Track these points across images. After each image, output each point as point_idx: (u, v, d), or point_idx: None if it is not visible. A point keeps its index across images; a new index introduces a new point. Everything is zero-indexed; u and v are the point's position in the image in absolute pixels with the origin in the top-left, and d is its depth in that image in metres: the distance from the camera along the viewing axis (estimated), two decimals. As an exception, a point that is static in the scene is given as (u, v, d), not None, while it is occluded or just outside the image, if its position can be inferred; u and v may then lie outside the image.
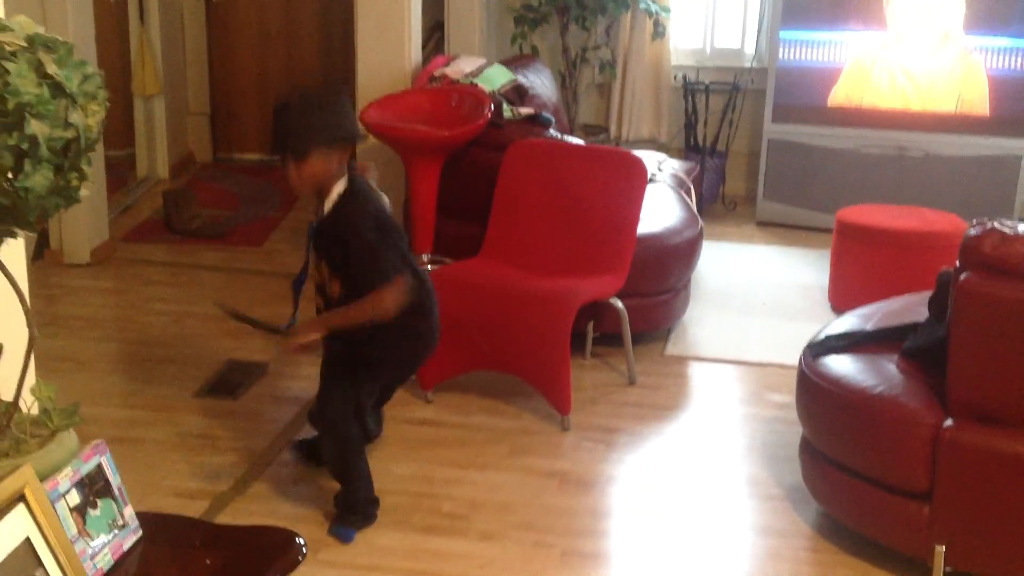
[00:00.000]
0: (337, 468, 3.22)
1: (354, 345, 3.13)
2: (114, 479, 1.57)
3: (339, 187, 2.94)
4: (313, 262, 3.07)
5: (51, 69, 1.38)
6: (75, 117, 1.40)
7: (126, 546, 1.55)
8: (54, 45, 1.42)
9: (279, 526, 1.65)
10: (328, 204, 2.96)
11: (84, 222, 5.22)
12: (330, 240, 2.98)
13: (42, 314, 4.74)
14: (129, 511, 1.58)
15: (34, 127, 1.35)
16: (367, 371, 3.20)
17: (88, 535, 1.50)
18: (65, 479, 1.50)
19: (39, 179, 1.37)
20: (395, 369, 3.29)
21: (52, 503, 1.45)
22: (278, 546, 1.55)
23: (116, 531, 1.55)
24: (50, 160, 1.38)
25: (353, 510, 3.19)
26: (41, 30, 1.44)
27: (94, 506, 1.53)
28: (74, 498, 1.51)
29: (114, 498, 1.57)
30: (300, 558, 1.52)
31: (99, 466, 1.56)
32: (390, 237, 2.97)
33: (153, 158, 6.53)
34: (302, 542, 1.57)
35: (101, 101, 1.46)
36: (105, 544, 1.53)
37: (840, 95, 6.01)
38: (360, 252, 2.93)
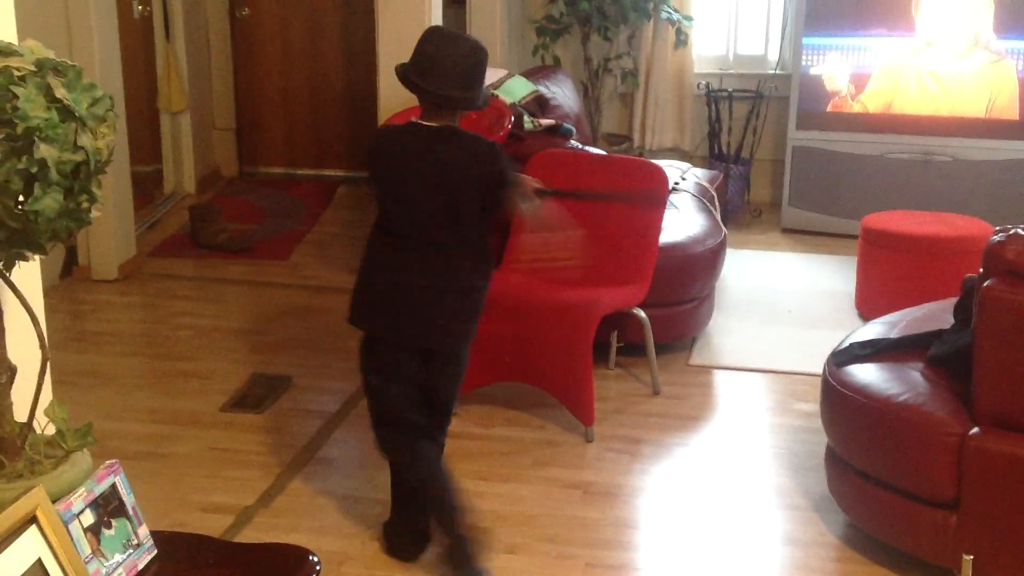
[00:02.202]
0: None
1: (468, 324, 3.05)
2: (128, 499, 1.58)
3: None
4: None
5: (60, 93, 1.39)
6: (84, 140, 1.41)
7: (141, 565, 1.56)
8: (63, 69, 1.44)
9: (293, 543, 1.65)
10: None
11: (112, 238, 5.27)
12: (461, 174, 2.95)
13: (69, 330, 4.79)
14: (144, 530, 1.59)
15: (43, 151, 1.36)
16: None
17: (102, 555, 1.51)
18: (79, 500, 1.51)
19: (49, 202, 1.38)
20: None
21: (65, 524, 1.46)
22: (292, 563, 1.55)
23: (131, 550, 1.56)
24: (60, 183, 1.39)
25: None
26: (51, 54, 1.46)
27: (108, 526, 1.54)
28: (88, 518, 1.52)
29: (128, 518, 1.58)
30: (314, 575, 1.52)
31: (113, 486, 1.57)
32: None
33: (180, 173, 6.58)
34: (316, 559, 1.57)
35: (111, 124, 1.47)
36: (119, 564, 1.53)
37: (866, 101, 5.97)
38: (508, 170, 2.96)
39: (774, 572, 3.14)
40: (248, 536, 3.19)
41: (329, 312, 5.00)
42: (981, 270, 2.81)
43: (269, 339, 4.70)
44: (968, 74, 5.82)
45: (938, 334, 3.16)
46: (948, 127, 5.88)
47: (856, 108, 5.98)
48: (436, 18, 4.92)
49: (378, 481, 3.55)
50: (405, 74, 2.91)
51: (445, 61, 2.84)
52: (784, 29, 6.46)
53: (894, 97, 5.93)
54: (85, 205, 1.45)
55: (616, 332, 4.29)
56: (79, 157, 1.41)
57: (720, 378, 4.38)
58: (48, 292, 4.84)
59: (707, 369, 4.43)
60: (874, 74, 5.92)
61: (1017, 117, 5.79)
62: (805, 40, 5.96)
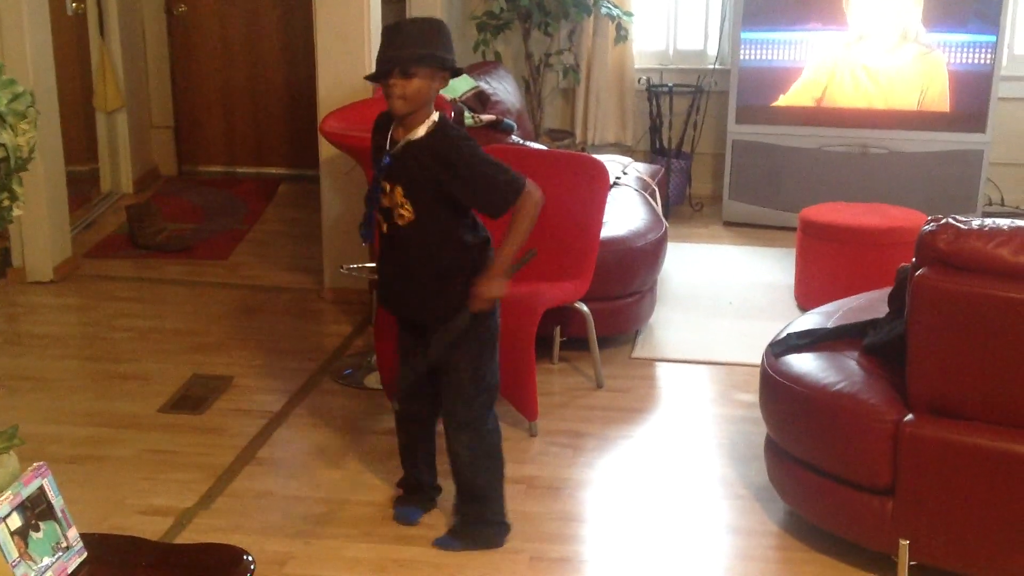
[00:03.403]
0: (483, 481, 3.16)
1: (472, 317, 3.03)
2: (56, 501, 1.56)
3: (433, 115, 2.96)
4: (379, 187, 3.01)
5: (-23, 88, 1.36)
6: (4, 137, 1.38)
7: (70, 568, 1.54)
8: (-19, 64, 1.41)
9: (227, 544, 1.64)
10: (420, 130, 2.94)
11: (47, 239, 5.18)
12: (418, 164, 2.94)
13: (4, 333, 4.71)
14: (73, 533, 1.57)
15: (-39, 147, 1.33)
16: (491, 341, 3.10)
17: (31, 558, 1.49)
18: (5, 503, 1.49)
19: (-33, 200, 1.35)
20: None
21: (-9, 527, 1.44)
22: (226, 564, 1.54)
23: (60, 553, 1.53)
24: (-22, 180, 1.36)
25: (488, 525, 3.18)
26: (-32, 49, 1.43)
27: (36, 529, 1.51)
28: (15, 521, 1.49)
29: (57, 520, 1.55)
30: (249, 575, 1.50)
31: (41, 488, 1.55)
32: (489, 158, 2.98)
33: (117, 173, 6.49)
34: (250, 559, 1.55)
35: (32, 120, 1.44)
36: (48, 567, 1.51)
37: (802, 95, 6.04)
38: (476, 169, 2.92)
39: (716, 562, 3.17)
40: (188, 539, 3.15)
41: (270, 312, 4.96)
42: (914, 259, 2.86)
43: (209, 339, 4.65)
44: (899, 67, 5.92)
45: (873, 323, 3.21)
46: (883, 120, 5.97)
47: (792, 102, 6.05)
48: (375, 13, 4.89)
49: (320, 480, 3.53)
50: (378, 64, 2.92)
51: (403, 27, 2.93)
52: (723, 24, 6.51)
53: (830, 91, 6.01)
54: (6, 203, 1.42)
55: (559, 326, 4.31)
56: (-1, 154, 1.38)
57: (663, 371, 4.41)
58: (-21, 294, 4.75)
59: (650, 362, 4.46)
60: (807, 68, 6.00)
61: (948, 109, 5.89)
62: (743, 35, 6.02)
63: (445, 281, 3.02)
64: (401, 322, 3.20)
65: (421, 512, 3.29)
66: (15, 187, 1.41)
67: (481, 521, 3.19)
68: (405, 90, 2.87)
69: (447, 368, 3.10)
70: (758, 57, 6.05)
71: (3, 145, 1.38)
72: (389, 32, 2.93)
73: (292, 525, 3.26)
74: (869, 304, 3.46)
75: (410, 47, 2.86)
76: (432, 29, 2.95)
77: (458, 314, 3.00)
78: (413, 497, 3.33)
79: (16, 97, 1.41)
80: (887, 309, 3.20)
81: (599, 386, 4.20)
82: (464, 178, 2.93)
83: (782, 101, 6.06)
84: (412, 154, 2.95)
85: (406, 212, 2.97)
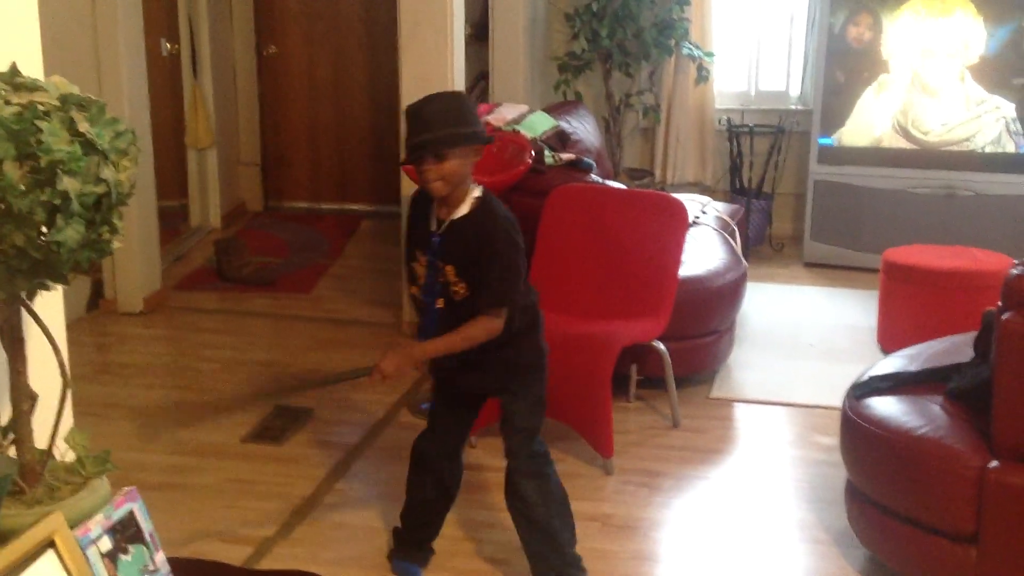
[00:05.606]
0: (551, 524, 3.06)
1: (515, 372, 3.05)
2: (146, 525, 1.60)
3: (475, 191, 2.90)
4: (435, 267, 2.93)
5: (83, 127, 1.43)
6: (106, 173, 1.45)
7: (157, 591, 1.58)
8: (87, 104, 1.48)
9: (311, 571, 1.67)
10: (463, 208, 2.88)
11: (138, 271, 5.34)
12: (463, 243, 2.88)
13: (94, 362, 4.85)
14: (160, 557, 1.61)
15: (66, 183, 1.39)
16: (540, 390, 3.08)
17: (119, 580, 1.53)
18: (96, 525, 1.54)
19: (71, 233, 1.41)
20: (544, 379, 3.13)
21: (83, 549, 1.49)
22: (306, 591, 1.56)
23: (147, 576, 1.58)
24: (82, 215, 1.42)
25: (573, 564, 3.09)
26: (75, 89, 1.50)
27: (125, 552, 1.56)
28: (105, 544, 1.54)
29: (145, 544, 1.60)
30: (326, 603, 1.53)
31: (131, 512, 1.60)
32: (518, 256, 2.91)
33: (205, 208, 6.67)
34: (329, 587, 1.58)
35: (132, 157, 1.51)
36: (136, 589, 1.55)
37: (885, 136, 5.97)
38: (490, 262, 2.86)
39: (794, 607, 3.12)
40: (267, 567, 3.20)
41: (351, 345, 5.04)
42: (1000, 303, 2.80)
43: (291, 371, 4.73)
44: (982, 108, 5.82)
45: (957, 367, 3.15)
46: (969, 162, 5.87)
47: (875, 143, 5.98)
48: (459, 56, 4.98)
49: (396, 513, 3.55)
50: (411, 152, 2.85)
51: (426, 109, 2.81)
52: (805, 65, 6.49)
53: (913, 131, 5.93)
54: (107, 236, 1.48)
55: (636, 365, 4.30)
56: (101, 189, 1.44)
57: (741, 411, 4.37)
58: (74, 325, 4.90)
59: (728, 402, 4.43)
60: (891, 109, 5.93)
61: (1039, 151, 5.78)
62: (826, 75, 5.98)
63: (505, 348, 2.96)
64: (449, 395, 3.17)
65: (420, 570, 3.24)
66: (115, 221, 1.48)
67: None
68: (441, 172, 2.79)
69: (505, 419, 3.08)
70: (841, 97, 6.00)
71: (105, 181, 1.44)
72: (413, 116, 2.83)
73: (369, 557, 3.29)
74: (953, 348, 3.40)
75: (438, 129, 2.77)
76: (455, 105, 2.86)
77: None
78: (417, 554, 3.27)
79: (118, 135, 1.48)
80: (972, 353, 3.15)
81: (675, 425, 4.18)
82: (487, 260, 2.85)
83: (864, 141, 6.00)
84: (457, 232, 2.88)
85: (460, 289, 2.89)
